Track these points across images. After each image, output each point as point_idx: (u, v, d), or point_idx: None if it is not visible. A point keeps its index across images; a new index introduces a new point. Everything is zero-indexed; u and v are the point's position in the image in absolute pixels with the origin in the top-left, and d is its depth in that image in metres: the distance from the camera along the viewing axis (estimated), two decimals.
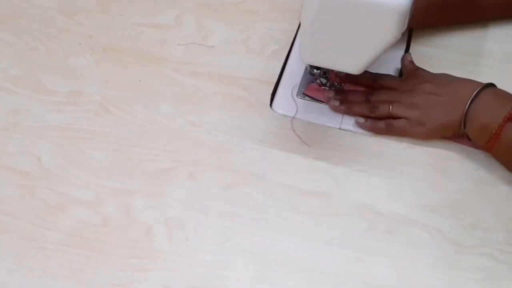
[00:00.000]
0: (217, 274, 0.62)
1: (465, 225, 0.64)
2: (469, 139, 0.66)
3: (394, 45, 0.59)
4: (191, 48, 0.79)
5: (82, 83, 0.76)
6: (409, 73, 0.72)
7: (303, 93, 0.73)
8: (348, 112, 0.71)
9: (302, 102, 0.73)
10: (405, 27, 0.58)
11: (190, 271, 0.63)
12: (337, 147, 0.70)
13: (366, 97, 0.70)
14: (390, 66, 0.74)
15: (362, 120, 0.69)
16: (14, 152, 0.71)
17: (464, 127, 0.65)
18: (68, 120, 0.73)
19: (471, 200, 0.66)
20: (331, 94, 0.71)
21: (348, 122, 0.71)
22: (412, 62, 0.72)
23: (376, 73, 0.72)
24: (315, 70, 0.70)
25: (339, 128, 0.71)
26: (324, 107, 0.72)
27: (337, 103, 0.70)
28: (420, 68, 0.71)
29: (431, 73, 0.70)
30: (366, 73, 0.71)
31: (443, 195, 0.66)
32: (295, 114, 0.71)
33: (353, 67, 0.63)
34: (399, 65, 0.75)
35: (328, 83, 0.72)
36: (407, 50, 0.76)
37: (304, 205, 0.66)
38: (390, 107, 0.68)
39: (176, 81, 0.76)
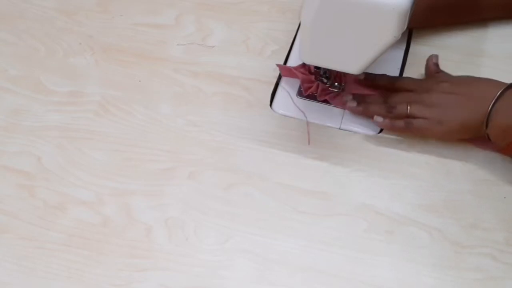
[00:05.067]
0: (217, 274, 0.62)
1: (465, 225, 0.64)
2: (488, 139, 0.65)
3: (394, 45, 0.59)
4: (191, 48, 0.79)
5: (82, 83, 0.76)
6: (431, 74, 0.71)
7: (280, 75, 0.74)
8: (365, 113, 0.70)
9: (302, 102, 0.73)
10: (405, 27, 0.58)
11: (190, 271, 0.63)
12: (337, 147, 0.70)
13: (384, 99, 0.70)
14: (390, 66, 0.74)
15: (380, 119, 0.68)
16: (14, 152, 0.71)
17: (486, 128, 0.63)
18: (68, 120, 0.73)
19: (471, 200, 0.66)
20: (349, 97, 0.70)
21: (348, 122, 0.71)
22: (436, 64, 0.71)
23: (393, 76, 0.71)
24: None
25: (339, 128, 0.71)
26: (324, 107, 0.72)
27: (354, 104, 0.70)
28: (443, 71, 0.71)
29: (452, 75, 0.69)
30: (383, 75, 0.71)
31: (443, 195, 0.66)
32: (308, 134, 0.71)
33: (353, 67, 0.63)
34: (399, 65, 0.75)
35: (328, 83, 0.72)
36: (407, 50, 0.76)
37: (304, 205, 0.66)
38: (408, 107, 0.67)
39: (176, 81, 0.76)
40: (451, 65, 0.74)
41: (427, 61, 0.73)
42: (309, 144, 0.70)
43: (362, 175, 0.68)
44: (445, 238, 0.64)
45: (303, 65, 0.73)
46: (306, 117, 0.71)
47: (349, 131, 0.71)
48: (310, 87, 0.72)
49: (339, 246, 0.64)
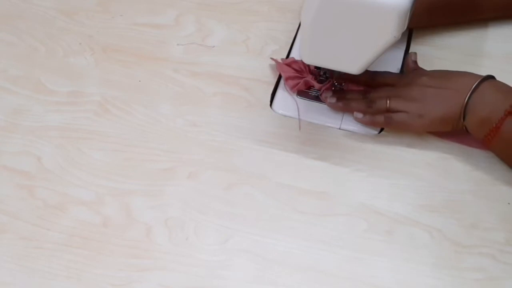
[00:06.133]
0: (217, 274, 0.62)
1: (465, 225, 0.64)
2: (467, 132, 0.65)
3: (394, 45, 0.59)
4: (191, 48, 0.79)
5: (82, 83, 0.76)
6: (409, 71, 0.72)
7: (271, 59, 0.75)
8: (346, 109, 0.70)
9: (302, 102, 0.73)
10: (405, 27, 0.58)
11: (190, 271, 0.63)
12: (337, 147, 0.70)
13: (364, 95, 0.70)
14: (390, 66, 0.74)
15: (360, 115, 0.69)
16: (14, 152, 0.71)
17: (464, 120, 0.64)
18: (68, 120, 0.73)
19: (471, 200, 0.66)
20: (329, 93, 0.71)
21: (348, 122, 0.71)
22: (415, 62, 0.72)
23: (374, 71, 0.72)
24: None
25: (339, 128, 0.71)
26: (324, 107, 0.72)
27: (333, 100, 0.70)
28: (421, 68, 0.71)
29: (430, 70, 0.70)
30: (364, 71, 0.71)
31: (443, 195, 0.66)
32: (299, 118, 0.71)
33: (353, 67, 0.63)
34: (399, 65, 0.75)
35: (326, 82, 0.72)
36: (407, 50, 0.76)
37: (304, 205, 0.66)
38: (388, 102, 0.68)
39: (176, 81, 0.76)
40: (451, 65, 0.74)
41: (406, 58, 0.73)
42: (300, 130, 0.70)
43: (362, 175, 0.68)
44: (445, 238, 0.64)
45: (295, 61, 0.73)
46: (297, 106, 0.71)
47: (349, 131, 0.71)
48: (297, 84, 0.72)
49: (339, 246, 0.64)
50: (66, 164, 0.70)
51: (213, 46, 0.79)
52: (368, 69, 0.65)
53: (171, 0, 0.83)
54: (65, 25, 0.82)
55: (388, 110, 0.68)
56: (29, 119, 0.74)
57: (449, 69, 0.70)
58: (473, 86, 0.63)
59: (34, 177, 0.69)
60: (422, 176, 0.67)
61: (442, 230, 0.64)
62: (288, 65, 0.74)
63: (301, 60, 0.73)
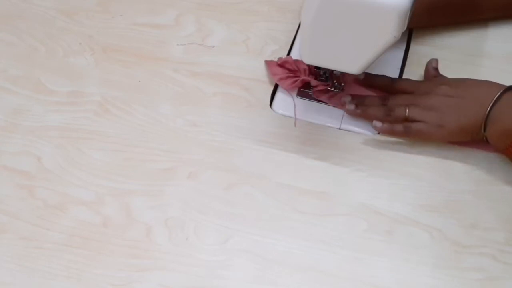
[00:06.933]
0: (217, 274, 0.62)
1: (465, 225, 0.64)
2: (487, 142, 0.65)
3: (394, 45, 0.59)
4: (191, 48, 0.79)
5: (82, 83, 0.76)
6: (429, 78, 0.71)
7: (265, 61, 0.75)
8: (364, 116, 0.70)
9: (302, 102, 0.73)
10: (405, 27, 0.58)
11: (190, 271, 0.63)
12: (337, 147, 0.70)
13: (382, 101, 0.69)
14: (390, 66, 0.74)
15: (379, 124, 0.68)
16: (14, 152, 0.71)
17: (485, 131, 0.63)
18: (68, 120, 0.73)
19: (471, 200, 0.66)
20: (348, 98, 0.70)
21: (348, 122, 0.71)
22: (436, 69, 0.71)
23: (393, 77, 0.71)
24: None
25: (339, 128, 0.71)
26: (324, 107, 0.72)
27: (352, 106, 0.69)
28: (441, 75, 0.71)
29: (451, 78, 0.69)
30: (383, 77, 0.71)
31: (443, 195, 0.66)
32: (295, 114, 0.71)
33: (353, 67, 0.63)
34: (399, 65, 0.75)
35: (327, 82, 0.72)
36: (407, 50, 0.76)
37: (304, 205, 0.66)
38: (407, 110, 0.67)
39: (176, 81, 0.76)
40: (451, 65, 0.74)
41: (427, 65, 0.72)
42: (295, 126, 0.70)
43: (362, 175, 0.68)
44: (445, 238, 0.64)
45: (287, 61, 0.73)
46: (294, 103, 0.71)
47: (349, 131, 0.71)
48: (293, 83, 0.72)
49: (339, 246, 0.64)
50: (66, 164, 0.70)
51: (213, 46, 0.79)
52: (368, 68, 0.65)
53: (171, 0, 0.83)
54: (65, 25, 0.82)
55: (407, 119, 0.67)
56: (29, 119, 0.74)
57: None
58: (495, 97, 0.62)
59: (34, 177, 0.69)
60: (422, 176, 0.67)
61: (442, 230, 0.64)
62: (281, 65, 0.73)
63: (295, 59, 0.73)
